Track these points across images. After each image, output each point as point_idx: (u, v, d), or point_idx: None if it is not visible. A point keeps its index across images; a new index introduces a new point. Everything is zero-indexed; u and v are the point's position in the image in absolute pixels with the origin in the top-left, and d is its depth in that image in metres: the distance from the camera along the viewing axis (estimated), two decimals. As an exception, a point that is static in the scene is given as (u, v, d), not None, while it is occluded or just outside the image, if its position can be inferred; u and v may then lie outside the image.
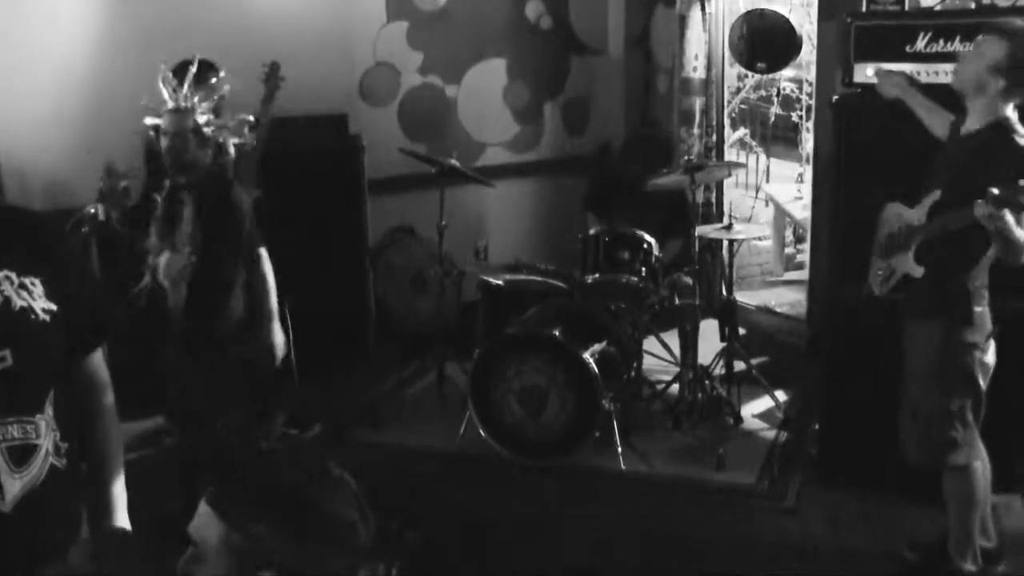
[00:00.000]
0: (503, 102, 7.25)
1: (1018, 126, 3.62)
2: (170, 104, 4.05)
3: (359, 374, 6.14)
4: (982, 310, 3.74)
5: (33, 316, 2.16)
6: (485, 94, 7.16)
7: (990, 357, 3.80)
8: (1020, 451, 4.31)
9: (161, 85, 4.03)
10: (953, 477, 3.86)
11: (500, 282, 5.51)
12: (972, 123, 3.71)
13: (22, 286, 2.17)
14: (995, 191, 3.40)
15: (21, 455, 2.13)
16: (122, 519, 2.41)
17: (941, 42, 4.23)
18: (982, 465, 3.87)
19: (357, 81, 6.69)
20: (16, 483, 2.11)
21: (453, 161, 5.84)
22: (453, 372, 5.95)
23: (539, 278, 5.60)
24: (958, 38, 3.87)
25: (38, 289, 2.20)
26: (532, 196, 7.41)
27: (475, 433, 5.19)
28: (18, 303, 2.15)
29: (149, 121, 4.12)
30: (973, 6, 4.54)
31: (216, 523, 1.59)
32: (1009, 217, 3.41)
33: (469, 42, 7.00)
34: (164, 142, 4.06)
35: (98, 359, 2.44)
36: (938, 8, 4.61)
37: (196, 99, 4.05)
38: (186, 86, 4.05)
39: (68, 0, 5.57)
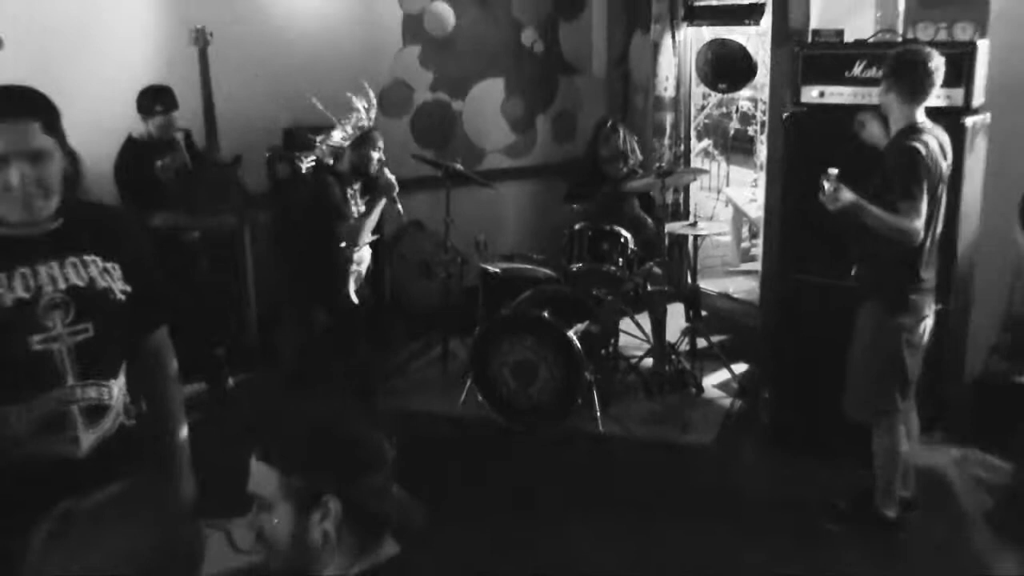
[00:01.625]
0: (501, 115, 7.19)
1: (920, 130, 3.68)
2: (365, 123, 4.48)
3: (374, 349, 5.98)
4: (917, 298, 3.76)
5: (112, 296, 2.21)
6: (486, 108, 7.12)
7: (919, 338, 3.83)
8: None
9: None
10: (880, 437, 3.91)
11: (497, 270, 5.51)
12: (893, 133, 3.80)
13: (105, 270, 2.22)
14: (826, 177, 3.60)
15: (95, 413, 2.19)
16: (184, 466, 2.48)
17: (873, 69, 4.24)
18: (906, 428, 3.92)
19: (377, 96, 6.63)
20: (90, 436, 2.18)
21: (458, 165, 5.86)
22: (456, 347, 5.94)
23: (531, 267, 5.59)
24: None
25: (117, 272, 2.24)
26: (526, 196, 7.36)
27: (474, 400, 5.23)
28: (101, 284, 2.20)
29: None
30: (900, 39, 4.57)
31: (271, 474, 1.65)
32: (846, 195, 3.60)
33: (473, 64, 6.97)
34: (353, 156, 4.57)
35: (162, 335, 2.48)
36: (871, 40, 4.62)
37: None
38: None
39: (139, 22, 5.60)
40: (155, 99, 4.97)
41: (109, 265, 2.24)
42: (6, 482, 2.10)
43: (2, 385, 2.09)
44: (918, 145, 3.63)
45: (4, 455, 2.10)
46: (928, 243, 3.75)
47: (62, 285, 2.13)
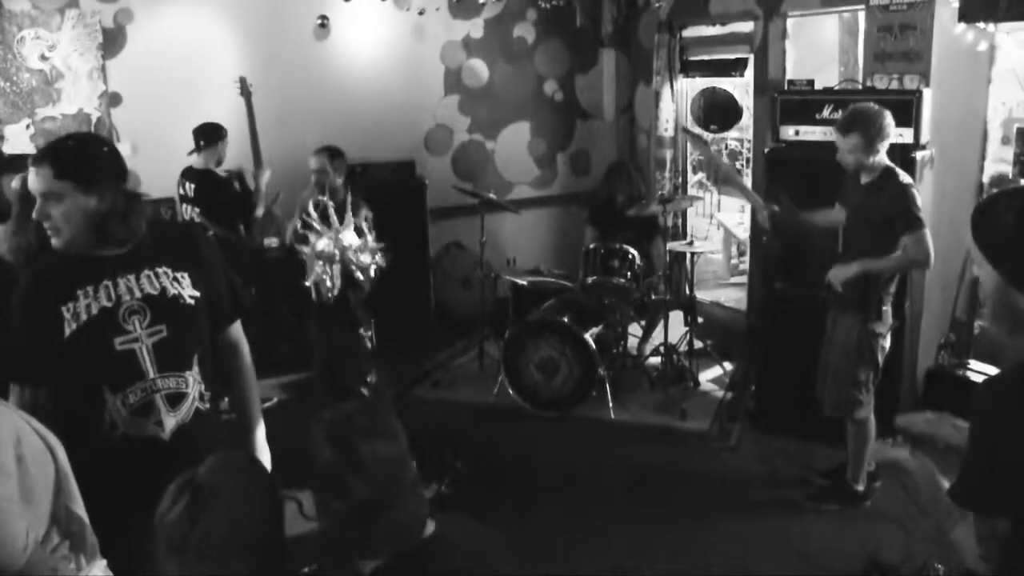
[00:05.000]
0: (527, 153, 7.23)
1: (897, 169, 3.68)
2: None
3: (423, 348, 6.19)
4: (887, 309, 3.76)
5: (182, 301, 2.25)
6: (514, 147, 7.15)
7: (887, 343, 3.84)
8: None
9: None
10: (855, 426, 3.93)
11: (524, 282, 5.51)
12: (867, 178, 3.72)
13: (175, 279, 2.26)
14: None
15: (175, 400, 2.23)
16: (262, 445, 2.49)
17: (840, 112, 4.20)
18: (873, 418, 3.93)
19: (423, 137, 6.73)
20: (172, 420, 2.21)
21: (491, 195, 5.87)
22: (490, 347, 5.93)
23: (553, 280, 5.59)
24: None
25: (186, 280, 2.28)
26: (548, 220, 7.38)
27: (505, 391, 5.23)
28: (172, 291, 2.24)
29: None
30: (860, 87, 4.61)
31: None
32: (848, 270, 3.63)
33: (503, 110, 7.02)
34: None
35: (236, 329, 2.47)
36: (837, 88, 4.65)
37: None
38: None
39: (228, 79, 5.62)
40: (218, 129, 5.08)
41: (179, 274, 2.27)
42: (108, 461, 2.16)
43: (100, 379, 2.15)
44: (909, 180, 3.63)
45: (106, 438, 2.17)
46: None
47: (138, 294, 2.19)
